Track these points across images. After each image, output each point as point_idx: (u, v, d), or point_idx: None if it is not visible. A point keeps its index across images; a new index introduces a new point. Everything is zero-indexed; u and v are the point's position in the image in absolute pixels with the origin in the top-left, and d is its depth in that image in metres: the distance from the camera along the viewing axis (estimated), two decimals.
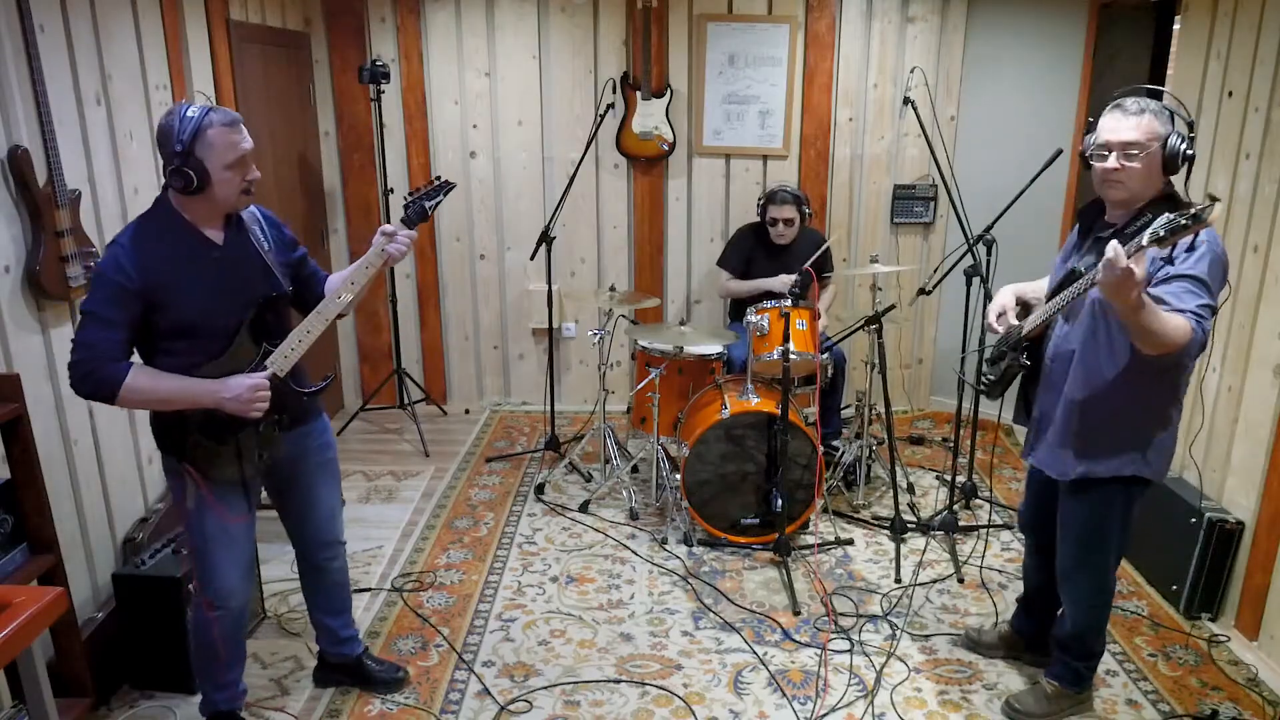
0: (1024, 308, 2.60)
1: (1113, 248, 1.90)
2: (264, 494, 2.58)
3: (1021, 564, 2.96)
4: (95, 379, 2.06)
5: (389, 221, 2.36)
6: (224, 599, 2.37)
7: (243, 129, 2.13)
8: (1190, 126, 2.19)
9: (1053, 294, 2.40)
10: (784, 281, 4.07)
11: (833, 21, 4.68)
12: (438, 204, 2.36)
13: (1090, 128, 2.30)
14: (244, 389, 2.15)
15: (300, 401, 2.37)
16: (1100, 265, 1.93)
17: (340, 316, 2.38)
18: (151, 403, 2.15)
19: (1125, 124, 2.18)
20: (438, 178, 2.41)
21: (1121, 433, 2.34)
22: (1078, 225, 2.47)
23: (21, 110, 2.56)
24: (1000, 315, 2.56)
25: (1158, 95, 2.28)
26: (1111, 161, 2.19)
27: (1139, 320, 2.02)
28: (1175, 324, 2.06)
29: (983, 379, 2.73)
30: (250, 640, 2.99)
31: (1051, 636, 2.74)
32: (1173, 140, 2.17)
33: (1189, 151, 2.17)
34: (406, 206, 2.34)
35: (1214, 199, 1.92)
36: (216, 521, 2.28)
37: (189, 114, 2.06)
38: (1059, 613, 2.69)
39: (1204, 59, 3.41)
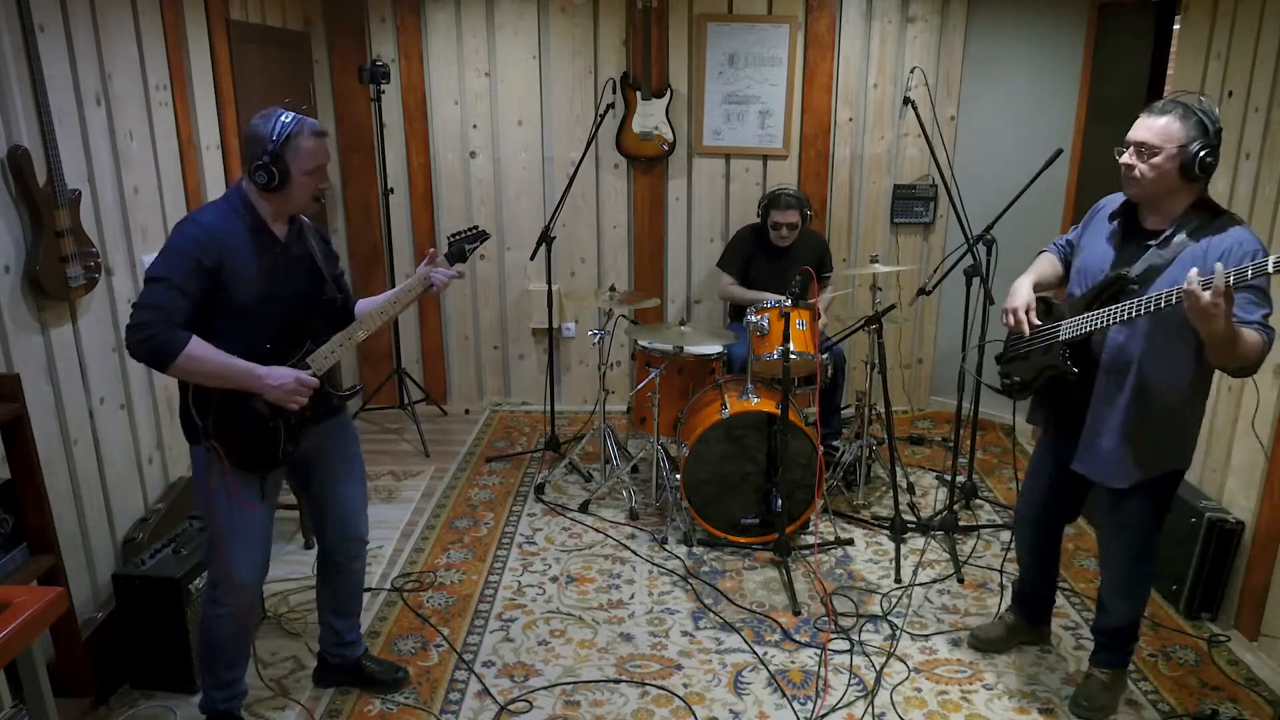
0: (1043, 304, 2.56)
1: (1191, 279, 1.95)
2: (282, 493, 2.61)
3: (1018, 561, 2.97)
4: (160, 339, 2.09)
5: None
6: (235, 592, 2.38)
7: (326, 142, 2.31)
8: (1214, 134, 2.17)
9: (1094, 297, 2.36)
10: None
11: (833, 21, 4.68)
12: (474, 249, 2.59)
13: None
14: (291, 379, 2.24)
15: (329, 401, 2.45)
16: (1181, 292, 1.98)
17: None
18: (203, 375, 2.18)
19: (1145, 123, 2.22)
20: (475, 227, 2.64)
21: (1177, 434, 2.40)
22: (1119, 220, 2.42)
23: (21, 110, 2.55)
24: (1028, 310, 2.49)
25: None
26: (1126, 157, 2.23)
27: (1226, 344, 2.04)
28: (1251, 341, 2.09)
29: (1007, 379, 2.68)
30: None
31: (1098, 630, 2.74)
32: (1192, 147, 2.15)
33: (1208, 159, 2.16)
34: (451, 243, 2.57)
35: None
36: (235, 509, 2.31)
37: (285, 119, 2.22)
38: (1102, 605, 2.67)
39: (1204, 59, 3.41)
